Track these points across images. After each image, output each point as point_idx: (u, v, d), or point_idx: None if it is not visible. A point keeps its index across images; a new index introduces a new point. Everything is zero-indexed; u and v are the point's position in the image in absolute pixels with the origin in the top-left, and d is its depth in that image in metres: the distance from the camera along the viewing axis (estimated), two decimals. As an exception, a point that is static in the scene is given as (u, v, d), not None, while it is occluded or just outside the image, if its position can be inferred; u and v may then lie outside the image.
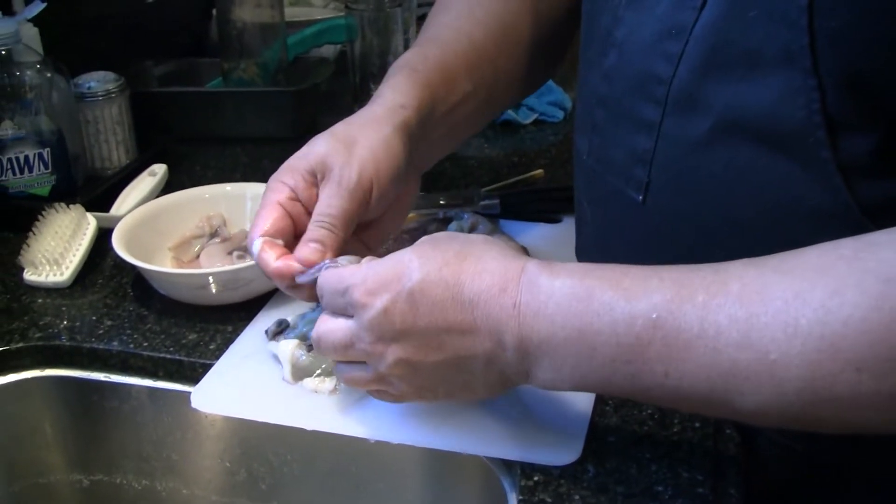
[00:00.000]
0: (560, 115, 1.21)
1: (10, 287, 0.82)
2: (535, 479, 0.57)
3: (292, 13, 1.45)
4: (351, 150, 0.63)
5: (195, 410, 0.66)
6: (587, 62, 0.68)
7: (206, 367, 0.69)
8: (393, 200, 0.66)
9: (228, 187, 0.87)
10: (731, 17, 0.53)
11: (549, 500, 0.55)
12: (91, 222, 0.85)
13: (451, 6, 0.77)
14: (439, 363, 0.53)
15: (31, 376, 0.73)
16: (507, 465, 0.60)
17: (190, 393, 0.67)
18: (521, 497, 0.56)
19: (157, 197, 0.90)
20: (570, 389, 0.52)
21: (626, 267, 0.50)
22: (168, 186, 0.97)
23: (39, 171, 0.91)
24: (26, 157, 0.90)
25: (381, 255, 0.57)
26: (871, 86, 0.49)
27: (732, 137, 0.54)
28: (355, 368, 0.57)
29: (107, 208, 0.90)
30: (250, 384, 0.67)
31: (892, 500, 0.59)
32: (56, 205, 0.85)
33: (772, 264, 0.46)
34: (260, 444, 0.69)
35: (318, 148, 0.64)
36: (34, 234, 0.83)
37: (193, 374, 0.70)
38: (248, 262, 0.74)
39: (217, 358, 0.70)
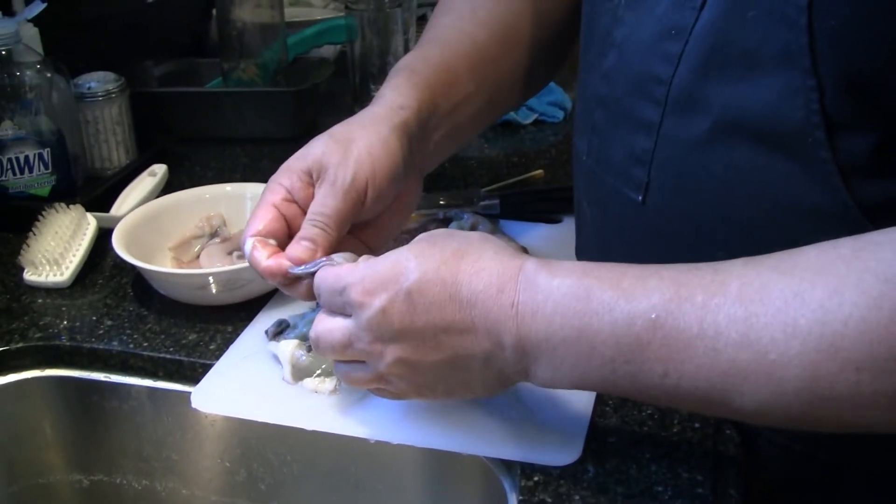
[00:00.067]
0: (560, 115, 1.21)
1: (10, 287, 0.82)
2: (535, 479, 0.57)
3: (292, 13, 1.45)
4: (347, 149, 0.63)
5: (195, 410, 0.66)
6: (587, 63, 0.68)
7: (206, 368, 0.69)
8: (392, 201, 0.66)
9: (228, 187, 0.87)
10: (730, 18, 0.53)
11: (549, 500, 0.55)
12: (91, 222, 0.85)
13: (452, 7, 0.77)
14: (438, 362, 0.53)
15: (31, 376, 0.73)
16: (507, 465, 0.60)
17: (190, 393, 0.67)
18: (521, 497, 0.56)
19: (157, 197, 0.90)
20: (569, 388, 0.52)
21: (625, 266, 0.50)
22: (168, 186, 0.97)
23: (39, 171, 0.91)
24: (26, 158, 0.90)
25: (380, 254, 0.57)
26: (870, 86, 0.49)
27: (732, 137, 0.54)
28: (354, 368, 0.57)
29: (107, 208, 0.90)
30: (250, 384, 0.67)
31: (892, 499, 0.59)
32: (56, 205, 0.85)
33: (771, 264, 0.46)
34: (260, 445, 0.69)
35: (315, 148, 0.64)
36: (34, 234, 0.83)
37: (193, 375, 0.70)
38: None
39: (217, 358, 0.70)
